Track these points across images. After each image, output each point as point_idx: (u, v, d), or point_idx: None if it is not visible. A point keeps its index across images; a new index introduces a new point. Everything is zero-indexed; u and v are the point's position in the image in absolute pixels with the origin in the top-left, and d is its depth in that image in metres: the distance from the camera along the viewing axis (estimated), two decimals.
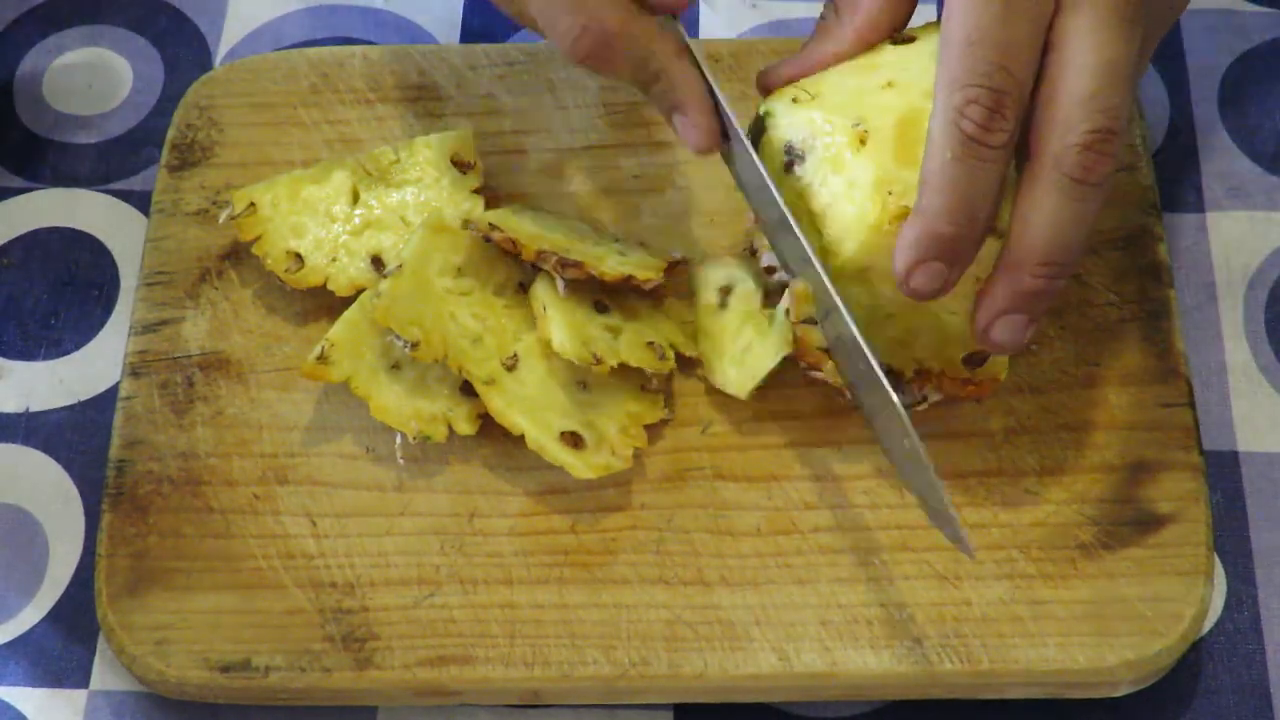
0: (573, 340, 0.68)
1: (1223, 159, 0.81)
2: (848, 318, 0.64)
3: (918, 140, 0.62)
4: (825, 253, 0.65)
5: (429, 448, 0.71)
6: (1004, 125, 0.60)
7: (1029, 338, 0.63)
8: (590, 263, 0.69)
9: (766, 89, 0.68)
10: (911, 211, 0.61)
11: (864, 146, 0.64)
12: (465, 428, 0.70)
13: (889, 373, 0.64)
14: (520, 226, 0.71)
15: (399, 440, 0.70)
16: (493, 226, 0.70)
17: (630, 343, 0.70)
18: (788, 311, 0.67)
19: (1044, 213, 0.61)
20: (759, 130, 0.67)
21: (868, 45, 0.66)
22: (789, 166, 0.66)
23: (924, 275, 0.61)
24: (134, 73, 0.85)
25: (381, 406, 0.70)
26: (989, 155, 0.60)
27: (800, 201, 0.66)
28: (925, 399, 0.69)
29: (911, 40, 0.66)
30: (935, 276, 0.61)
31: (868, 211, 0.63)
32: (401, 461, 0.70)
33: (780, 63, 0.68)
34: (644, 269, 0.71)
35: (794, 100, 0.66)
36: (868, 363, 0.64)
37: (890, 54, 0.66)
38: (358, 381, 0.70)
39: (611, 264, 0.70)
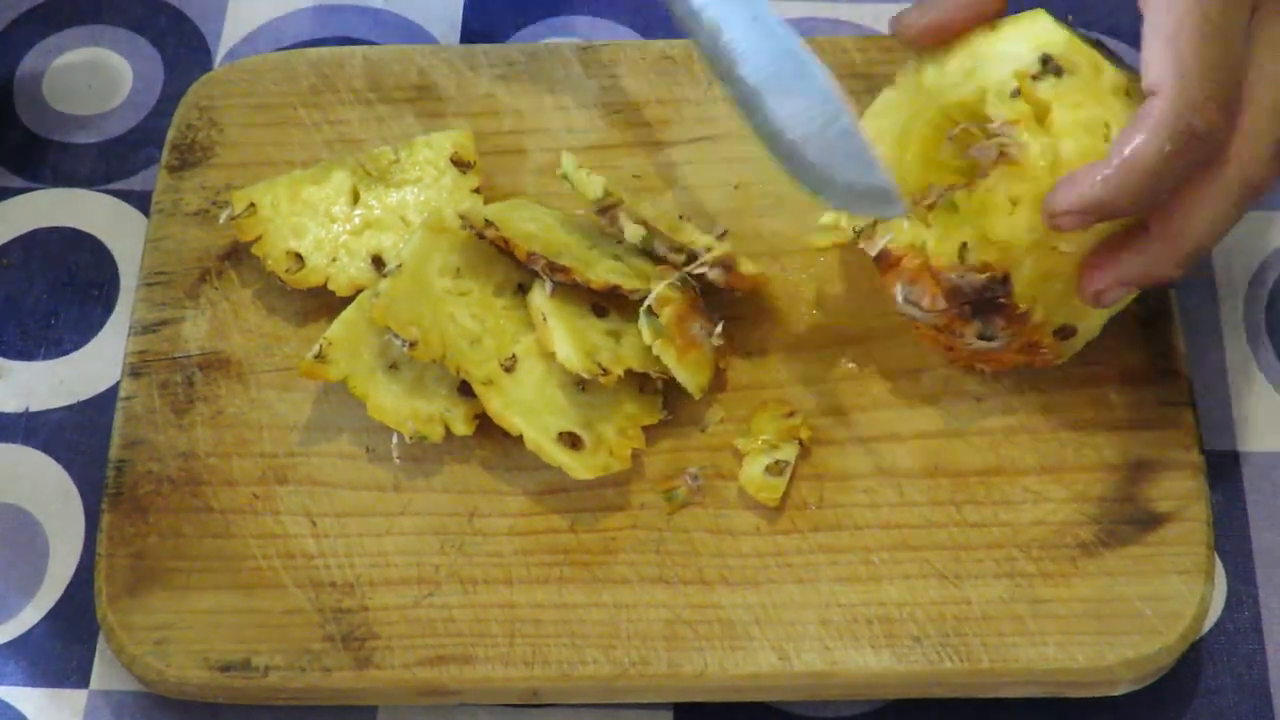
0: (577, 353, 0.68)
1: None
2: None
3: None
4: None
5: (428, 447, 0.71)
6: (1230, 127, 0.61)
7: None
8: (579, 269, 0.69)
9: (908, 41, 0.68)
10: (1101, 173, 0.61)
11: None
12: (462, 428, 0.70)
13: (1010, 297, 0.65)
14: (516, 225, 0.71)
15: (395, 440, 0.70)
16: (488, 223, 0.70)
17: (632, 346, 0.70)
18: (649, 309, 0.68)
19: (1212, 210, 0.61)
20: None
21: None
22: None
23: (1075, 222, 0.62)
24: (134, 73, 0.85)
25: (379, 406, 0.70)
26: (1203, 153, 0.61)
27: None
28: (994, 338, 0.67)
29: None
30: (1082, 225, 0.62)
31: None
32: (399, 461, 0.70)
33: (914, 9, 0.68)
34: (633, 279, 0.70)
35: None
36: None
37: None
38: (355, 381, 0.70)
39: (600, 271, 0.70)
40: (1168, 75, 0.60)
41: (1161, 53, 0.60)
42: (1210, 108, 0.60)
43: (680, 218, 0.73)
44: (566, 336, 0.69)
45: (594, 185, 0.71)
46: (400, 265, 0.70)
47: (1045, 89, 0.64)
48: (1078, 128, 0.64)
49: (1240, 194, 0.61)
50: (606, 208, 0.71)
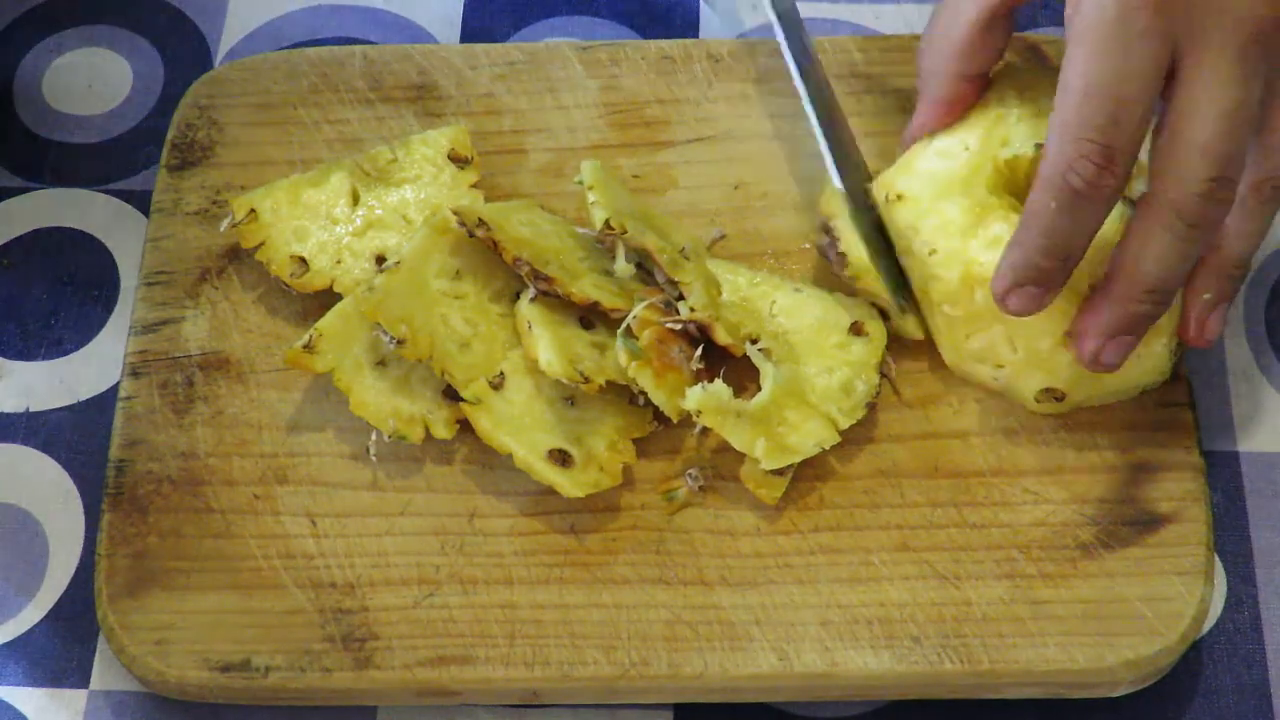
0: (560, 359, 0.68)
1: None
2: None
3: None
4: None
5: (430, 448, 0.71)
6: (1112, 180, 0.62)
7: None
8: (562, 281, 0.69)
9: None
10: (1013, 238, 0.64)
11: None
12: (443, 431, 0.69)
13: None
14: (509, 228, 0.71)
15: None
16: (480, 222, 0.70)
17: (616, 360, 0.70)
18: (629, 329, 0.68)
19: (1156, 249, 0.63)
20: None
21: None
22: None
23: (1019, 298, 0.65)
24: (134, 73, 0.85)
25: (361, 402, 0.69)
26: (1093, 207, 0.62)
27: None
28: None
29: None
30: (1031, 300, 0.65)
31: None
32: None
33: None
34: (615, 297, 0.70)
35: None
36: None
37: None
38: (341, 374, 0.69)
39: (584, 285, 0.70)
40: (1050, 133, 0.62)
41: (1055, 109, 0.62)
42: (1084, 165, 0.61)
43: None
44: (550, 343, 0.68)
45: (596, 217, 0.71)
46: (399, 262, 0.70)
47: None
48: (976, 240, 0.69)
49: (1182, 230, 0.62)
50: (604, 238, 0.71)
